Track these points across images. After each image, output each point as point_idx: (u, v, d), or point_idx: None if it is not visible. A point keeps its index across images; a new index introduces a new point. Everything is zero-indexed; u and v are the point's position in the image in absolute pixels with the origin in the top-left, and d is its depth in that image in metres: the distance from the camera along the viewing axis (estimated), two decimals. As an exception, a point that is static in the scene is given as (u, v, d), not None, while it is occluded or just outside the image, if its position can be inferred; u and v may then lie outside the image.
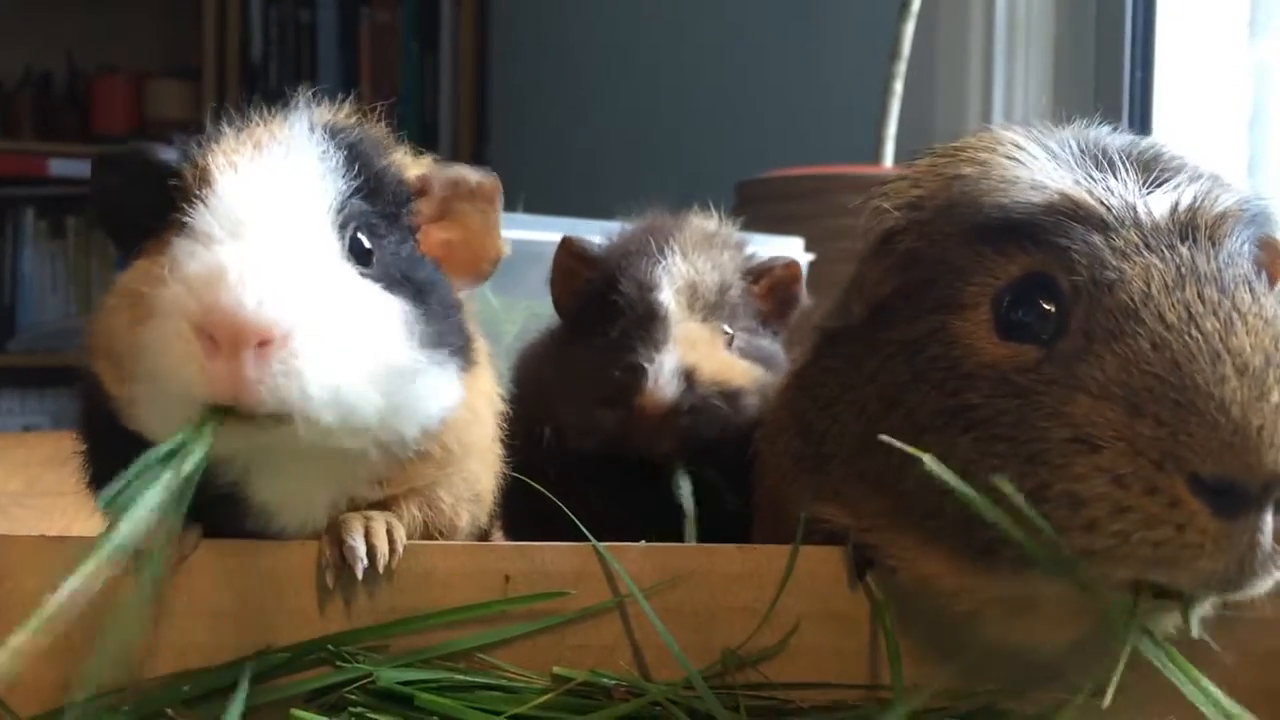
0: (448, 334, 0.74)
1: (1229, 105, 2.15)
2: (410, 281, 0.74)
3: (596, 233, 1.62)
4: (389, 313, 0.70)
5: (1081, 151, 0.69)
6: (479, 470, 0.84)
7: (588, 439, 0.94)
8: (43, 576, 0.73)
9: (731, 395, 0.94)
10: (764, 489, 0.91)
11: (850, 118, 2.32)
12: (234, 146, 0.72)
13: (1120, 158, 0.69)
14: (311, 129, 0.75)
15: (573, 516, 0.79)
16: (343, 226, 0.71)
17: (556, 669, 0.75)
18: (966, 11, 2.30)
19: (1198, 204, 0.65)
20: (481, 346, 0.84)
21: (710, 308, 0.99)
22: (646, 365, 0.91)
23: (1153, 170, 0.68)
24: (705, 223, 1.10)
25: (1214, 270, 0.62)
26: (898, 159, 2.00)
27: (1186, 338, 0.59)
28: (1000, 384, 0.65)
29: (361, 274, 0.71)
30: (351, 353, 0.66)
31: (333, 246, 0.70)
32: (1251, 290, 0.62)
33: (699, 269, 1.01)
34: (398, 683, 0.72)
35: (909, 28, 2.02)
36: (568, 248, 1.06)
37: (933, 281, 0.70)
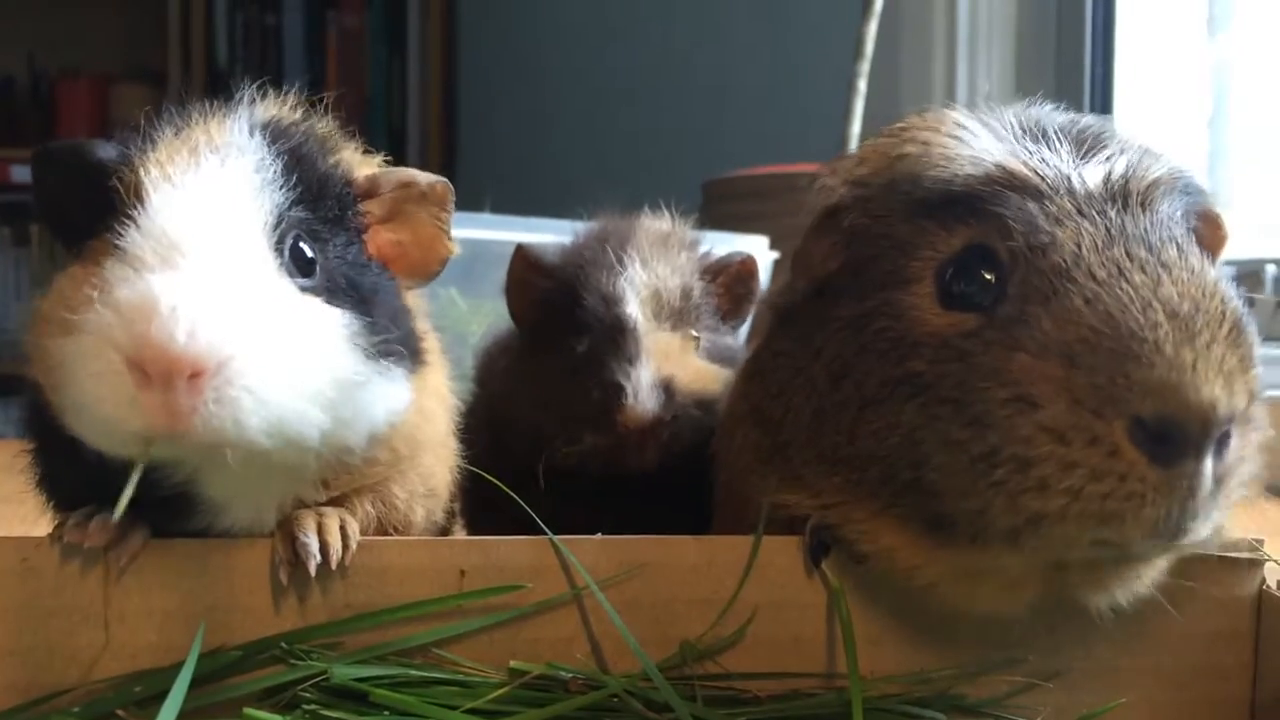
0: (394, 340, 0.73)
1: (1189, 102, 2.18)
2: (355, 289, 0.73)
3: (564, 232, 1.62)
4: (330, 327, 0.69)
5: (1021, 128, 0.71)
6: (433, 465, 0.83)
7: (571, 460, 0.93)
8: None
9: (708, 403, 0.94)
10: (722, 484, 0.91)
11: (815, 117, 2.33)
12: (169, 154, 0.70)
13: (1056, 132, 0.70)
14: (252, 131, 0.73)
15: (530, 510, 0.78)
16: (281, 239, 0.70)
17: (513, 663, 0.75)
18: (929, 11, 2.32)
19: (1130, 172, 0.67)
20: (432, 344, 0.83)
21: (676, 314, 0.99)
22: (624, 382, 0.91)
23: (1086, 143, 0.70)
24: (659, 224, 1.09)
25: (1143, 231, 0.64)
26: (862, 157, 2.01)
27: (1118, 290, 0.61)
28: (943, 350, 0.66)
29: (303, 286, 0.70)
30: (290, 374, 0.65)
31: (269, 263, 0.68)
32: (1179, 248, 0.64)
33: (660, 275, 1.00)
34: (352, 679, 0.71)
35: (872, 27, 2.03)
36: (523, 257, 1.04)
37: (877, 257, 0.71)
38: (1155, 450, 0.59)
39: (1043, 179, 0.67)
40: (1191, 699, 0.78)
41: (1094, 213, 0.65)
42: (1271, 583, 0.78)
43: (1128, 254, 0.62)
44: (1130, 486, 0.59)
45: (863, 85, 2.03)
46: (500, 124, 4.02)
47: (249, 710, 0.69)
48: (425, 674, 0.74)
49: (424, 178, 0.80)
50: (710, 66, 3.01)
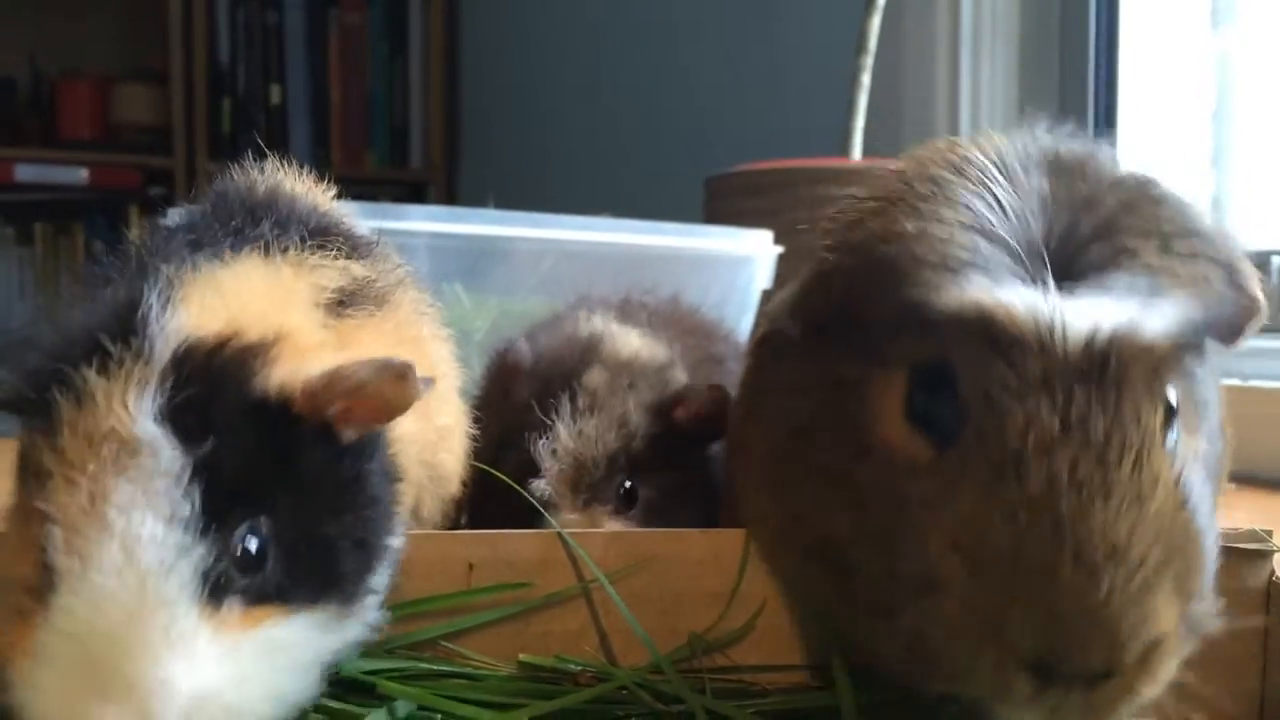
0: (376, 570, 0.66)
1: (1193, 97, 2.17)
2: (317, 561, 0.62)
3: (565, 228, 1.62)
4: (281, 645, 0.60)
5: (1020, 241, 0.63)
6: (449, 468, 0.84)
7: None
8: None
9: None
10: (729, 494, 0.91)
11: (817, 112, 2.33)
12: (72, 463, 0.58)
13: (1060, 236, 0.63)
14: (159, 416, 0.58)
15: (535, 502, 0.79)
16: (206, 566, 0.57)
17: (522, 656, 0.75)
18: (932, 6, 2.32)
19: (1119, 336, 0.60)
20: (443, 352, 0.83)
21: (593, 488, 0.92)
22: None
23: (1090, 253, 0.63)
24: (627, 341, 1.00)
25: (1103, 432, 0.58)
26: (865, 152, 2.01)
27: (1042, 512, 0.57)
28: (887, 477, 0.63)
29: (246, 603, 0.59)
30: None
31: (191, 618, 0.56)
32: (1138, 458, 0.58)
33: (589, 436, 0.92)
34: (361, 673, 0.72)
35: (875, 22, 2.03)
36: (505, 359, 1.02)
37: (861, 330, 0.67)
38: (1036, 667, 0.57)
39: (1020, 330, 0.60)
40: (1199, 691, 0.78)
41: (1060, 389, 0.59)
42: (1280, 574, 0.78)
43: (1074, 466, 0.57)
44: (1004, 690, 0.58)
45: (866, 79, 2.03)
46: (502, 120, 4.02)
47: (258, 704, 0.69)
48: (434, 667, 0.74)
49: (378, 368, 0.61)
50: (712, 62, 3.00)
